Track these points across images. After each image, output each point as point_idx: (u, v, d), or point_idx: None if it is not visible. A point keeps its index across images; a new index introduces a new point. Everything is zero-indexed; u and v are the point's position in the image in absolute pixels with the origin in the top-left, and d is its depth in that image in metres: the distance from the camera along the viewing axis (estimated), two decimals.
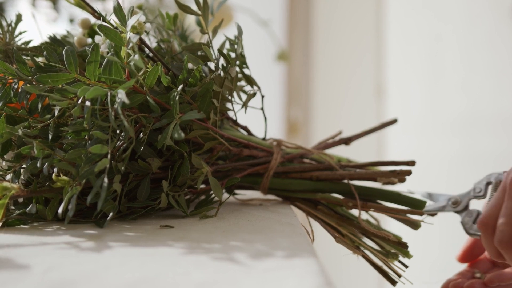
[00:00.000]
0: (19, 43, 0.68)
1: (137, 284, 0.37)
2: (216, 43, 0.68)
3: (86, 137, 0.57)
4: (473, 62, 1.75)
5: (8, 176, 0.60)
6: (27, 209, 0.58)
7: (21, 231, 0.56)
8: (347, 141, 0.79)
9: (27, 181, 0.59)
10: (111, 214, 0.56)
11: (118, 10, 0.57)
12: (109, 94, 0.52)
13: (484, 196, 0.69)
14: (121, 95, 0.51)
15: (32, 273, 0.40)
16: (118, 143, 0.57)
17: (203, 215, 0.62)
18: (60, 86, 0.56)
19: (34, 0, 1.37)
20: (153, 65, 0.58)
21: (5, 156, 0.61)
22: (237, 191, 0.75)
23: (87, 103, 0.53)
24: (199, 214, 0.63)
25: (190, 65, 0.68)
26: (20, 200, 0.60)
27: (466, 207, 0.70)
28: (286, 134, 2.37)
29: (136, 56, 0.54)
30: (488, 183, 0.69)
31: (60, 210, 0.51)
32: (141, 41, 0.63)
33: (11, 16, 1.30)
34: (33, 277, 0.39)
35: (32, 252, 0.47)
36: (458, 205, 0.71)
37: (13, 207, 0.60)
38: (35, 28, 0.76)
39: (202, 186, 0.67)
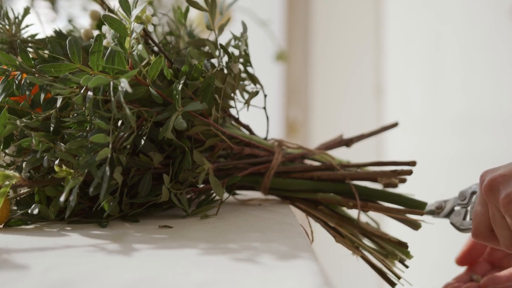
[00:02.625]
0: (25, 36, 0.68)
1: (137, 284, 0.37)
2: (222, 41, 0.68)
3: (88, 128, 0.57)
4: (473, 62, 1.75)
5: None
6: (30, 209, 0.58)
7: (22, 231, 0.56)
8: (348, 142, 0.80)
9: (29, 176, 0.59)
10: (111, 205, 0.56)
11: (123, 0, 0.57)
12: (111, 83, 0.52)
13: (467, 204, 0.70)
14: (124, 84, 0.50)
15: (32, 273, 0.40)
16: (120, 134, 0.57)
17: (204, 214, 0.62)
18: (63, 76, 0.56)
19: (33, 0, 1.37)
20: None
21: (6, 151, 0.61)
22: (237, 192, 0.75)
23: (89, 93, 0.53)
24: (199, 214, 0.63)
25: (194, 61, 0.68)
26: (23, 193, 0.60)
27: (451, 211, 0.71)
28: (286, 134, 2.37)
29: (140, 46, 0.54)
30: (473, 193, 0.70)
31: (62, 199, 0.51)
32: (146, 33, 0.63)
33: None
34: (32, 277, 0.39)
35: (32, 252, 0.47)
36: (442, 210, 0.71)
37: (15, 207, 0.60)
38: (39, 24, 0.76)
39: (203, 185, 0.67)
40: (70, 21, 1.38)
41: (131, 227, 0.57)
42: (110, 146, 0.52)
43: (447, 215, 0.71)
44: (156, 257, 0.44)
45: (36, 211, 0.58)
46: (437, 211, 0.72)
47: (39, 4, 1.36)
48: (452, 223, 0.70)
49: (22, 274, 0.40)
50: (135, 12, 0.56)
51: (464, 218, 0.69)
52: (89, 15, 0.70)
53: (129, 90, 0.50)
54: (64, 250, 0.47)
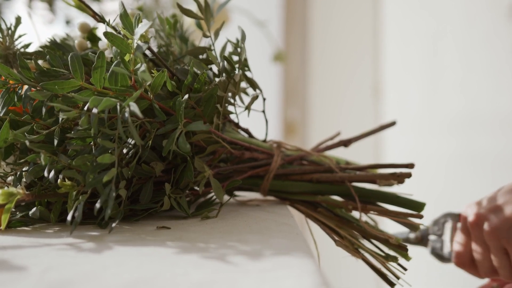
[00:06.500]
0: (18, 46, 0.68)
1: (135, 284, 0.37)
2: (217, 45, 0.68)
3: (91, 143, 0.57)
4: (471, 62, 1.75)
5: (9, 178, 0.60)
6: (30, 212, 0.58)
7: (20, 232, 0.56)
8: (346, 143, 0.80)
9: (29, 183, 0.59)
10: (116, 221, 0.56)
11: (124, 16, 0.56)
12: (118, 104, 0.52)
13: (442, 233, 0.79)
14: (133, 107, 0.50)
15: (31, 274, 0.40)
16: (124, 150, 0.57)
17: (205, 215, 0.62)
18: (66, 93, 0.56)
19: (31, 2, 1.37)
20: (157, 68, 0.58)
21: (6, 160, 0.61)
22: (236, 193, 0.75)
23: (94, 110, 0.53)
24: (199, 216, 0.63)
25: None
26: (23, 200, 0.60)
27: (427, 241, 0.80)
28: (284, 135, 2.37)
29: (143, 67, 0.53)
30: (445, 222, 0.79)
31: (69, 218, 0.51)
32: (148, 48, 0.63)
33: (8, 18, 1.30)
34: (31, 277, 0.39)
35: (30, 252, 0.47)
36: (419, 240, 0.81)
37: (13, 209, 0.60)
38: (33, 30, 0.75)
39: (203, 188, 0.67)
40: (68, 22, 1.39)
41: (130, 227, 0.57)
42: (116, 163, 0.52)
43: (423, 245, 0.80)
44: (154, 257, 0.44)
45: (37, 214, 0.58)
46: (415, 240, 0.81)
47: (37, 6, 1.36)
48: (433, 254, 0.79)
49: (21, 275, 0.40)
50: (139, 31, 0.55)
51: (441, 249, 0.78)
52: (78, 28, 0.68)
53: (139, 115, 0.50)
54: (62, 250, 0.47)
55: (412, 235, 0.81)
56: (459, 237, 0.73)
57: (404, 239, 0.81)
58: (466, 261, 0.72)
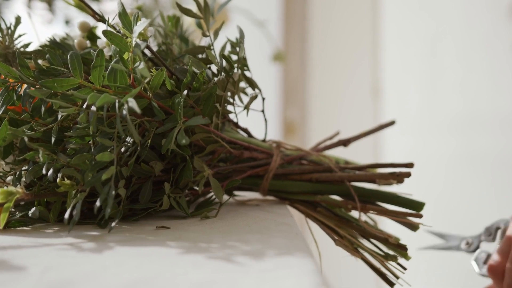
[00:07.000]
0: (18, 46, 0.68)
1: (135, 285, 0.37)
2: (216, 44, 0.68)
3: (90, 142, 0.57)
4: (471, 62, 1.75)
5: (9, 178, 0.60)
6: (30, 212, 0.58)
7: (20, 232, 0.56)
8: (345, 142, 0.80)
9: (29, 184, 0.59)
10: (116, 221, 0.56)
11: (123, 15, 0.56)
12: (117, 101, 0.52)
13: (493, 239, 0.76)
14: (132, 103, 0.50)
15: (30, 274, 0.40)
16: (123, 148, 0.57)
17: (204, 215, 0.62)
18: (65, 91, 0.56)
19: (30, 2, 1.37)
20: (156, 68, 0.58)
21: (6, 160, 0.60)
22: (236, 193, 0.75)
23: (93, 108, 0.53)
24: (199, 215, 0.63)
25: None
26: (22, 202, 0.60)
27: (477, 248, 0.77)
28: (283, 135, 2.37)
29: (142, 65, 0.53)
30: (498, 228, 0.76)
31: (66, 216, 0.51)
32: (147, 46, 0.63)
33: (8, 18, 1.30)
34: (31, 277, 0.39)
35: (30, 252, 0.47)
36: (470, 246, 0.78)
37: (13, 209, 0.60)
38: (32, 30, 0.75)
39: (202, 188, 0.67)
40: (67, 22, 1.39)
41: (130, 227, 0.57)
42: (115, 162, 0.52)
43: (474, 250, 0.77)
44: (154, 257, 0.44)
45: (36, 214, 0.58)
46: (465, 247, 0.79)
47: (36, 5, 1.36)
48: (473, 266, 0.76)
49: (21, 275, 0.40)
50: (137, 29, 0.55)
51: (485, 262, 0.75)
52: (78, 27, 0.68)
53: (138, 110, 0.49)
54: (62, 250, 0.47)
55: (463, 243, 0.80)
56: (500, 244, 0.72)
57: (456, 248, 0.81)
58: (498, 269, 0.71)
